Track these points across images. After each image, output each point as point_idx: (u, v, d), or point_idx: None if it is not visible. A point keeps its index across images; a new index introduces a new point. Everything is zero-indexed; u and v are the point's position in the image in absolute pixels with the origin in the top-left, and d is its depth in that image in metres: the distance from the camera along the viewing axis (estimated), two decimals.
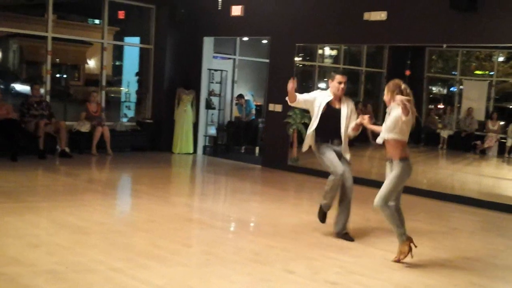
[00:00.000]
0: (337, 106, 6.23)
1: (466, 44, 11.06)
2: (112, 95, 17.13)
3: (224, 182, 10.44)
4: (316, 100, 6.27)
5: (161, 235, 6.05)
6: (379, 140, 5.54)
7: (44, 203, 7.25)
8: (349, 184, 6.22)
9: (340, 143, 6.25)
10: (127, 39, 15.72)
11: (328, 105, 6.22)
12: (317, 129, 6.24)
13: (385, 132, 5.46)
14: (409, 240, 5.52)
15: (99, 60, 13.78)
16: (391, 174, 5.48)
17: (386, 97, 5.47)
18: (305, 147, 6.42)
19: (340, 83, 6.21)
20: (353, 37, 10.53)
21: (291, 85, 6.04)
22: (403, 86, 5.40)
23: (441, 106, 15.49)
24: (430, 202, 8.93)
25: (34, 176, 9.35)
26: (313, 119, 6.30)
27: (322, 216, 6.40)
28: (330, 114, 6.21)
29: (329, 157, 6.18)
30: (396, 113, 5.33)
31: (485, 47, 13.88)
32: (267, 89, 12.06)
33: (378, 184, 5.74)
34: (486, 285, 5.22)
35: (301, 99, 6.28)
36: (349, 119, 6.20)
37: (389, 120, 5.42)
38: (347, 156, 6.28)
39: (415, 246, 5.52)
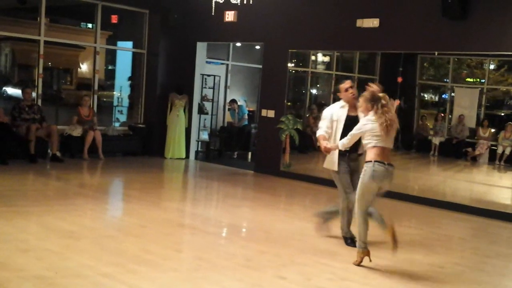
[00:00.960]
0: (353, 114, 6.07)
1: (457, 51, 11.12)
2: (105, 100, 17.10)
3: (216, 187, 10.42)
4: (333, 115, 6.12)
5: (152, 240, 6.02)
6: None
7: (34, 207, 7.21)
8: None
9: (356, 157, 6.14)
10: (120, 44, 15.70)
11: (347, 115, 6.10)
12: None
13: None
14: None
15: (91, 64, 13.77)
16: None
17: (361, 108, 5.62)
18: (335, 166, 6.16)
19: (346, 90, 6.11)
20: (346, 44, 10.56)
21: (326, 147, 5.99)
22: (381, 95, 5.53)
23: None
24: (422, 209, 8.95)
25: (24, 180, 9.29)
26: (333, 134, 6.12)
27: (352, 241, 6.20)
28: (350, 125, 5.94)
29: (344, 178, 6.13)
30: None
31: (476, 55, 13.95)
32: (260, 95, 12.06)
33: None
34: None
35: (329, 130, 6.13)
36: None
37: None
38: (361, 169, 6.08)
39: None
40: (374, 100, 5.46)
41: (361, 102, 5.54)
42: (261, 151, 11.67)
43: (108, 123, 13.29)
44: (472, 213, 8.62)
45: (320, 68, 14.62)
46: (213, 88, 13.38)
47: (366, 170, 5.45)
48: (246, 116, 14.47)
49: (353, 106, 6.08)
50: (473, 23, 8.71)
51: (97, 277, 4.73)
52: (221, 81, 14.25)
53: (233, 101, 14.31)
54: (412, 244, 6.62)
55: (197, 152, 13.10)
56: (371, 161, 5.44)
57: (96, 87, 12.58)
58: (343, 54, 14.32)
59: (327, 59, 14.31)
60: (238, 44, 14.35)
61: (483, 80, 15.11)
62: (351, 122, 5.97)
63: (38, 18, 11.55)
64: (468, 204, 9.06)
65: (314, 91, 14.54)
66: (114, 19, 13.97)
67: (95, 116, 11.88)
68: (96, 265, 5.00)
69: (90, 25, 19.58)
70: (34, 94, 11.35)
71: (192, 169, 12.18)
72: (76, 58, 22.84)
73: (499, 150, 13.52)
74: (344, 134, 5.93)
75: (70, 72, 23.18)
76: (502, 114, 15.41)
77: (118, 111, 14.46)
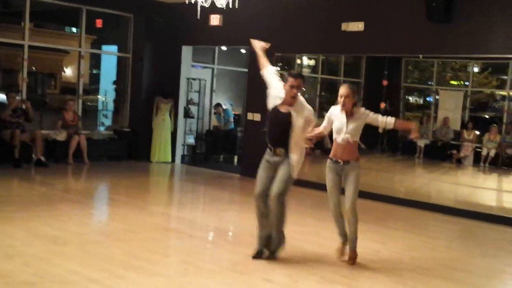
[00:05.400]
0: (283, 110, 5.58)
1: (441, 54, 11.22)
2: (89, 104, 17.01)
3: (203, 191, 10.40)
4: (272, 95, 5.69)
5: (139, 245, 5.99)
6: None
7: (19, 213, 7.13)
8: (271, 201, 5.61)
9: (282, 153, 5.59)
10: (105, 48, 15.65)
11: (276, 108, 5.64)
12: (267, 131, 5.77)
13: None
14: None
15: (76, 69, 13.70)
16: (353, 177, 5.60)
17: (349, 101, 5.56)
18: None
19: (292, 87, 5.51)
20: (331, 47, 10.61)
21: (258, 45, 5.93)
22: None
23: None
24: (408, 211, 8.99)
25: (9, 185, 9.20)
26: None
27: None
28: (276, 119, 5.62)
29: (258, 173, 5.78)
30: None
31: (460, 58, 14.09)
32: (246, 98, 12.07)
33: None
34: None
35: (269, 78, 5.79)
36: (301, 128, 5.52)
37: (356, 124, 5.59)
38: (294, 171, 5.57)
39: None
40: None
41: (351, 95, 5.55)
42: (248, 154, 11.66)
43: (93, 128, 13.22)
44: (458, 215, 8.68)
45: (306, 72, 14.67)
46: (199, 92, 13.36)
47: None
48: (232, 120, 14.47)
49: (288, 104, 5.56)
50: (457, 27, 8.78)
51: (84, 282, 4.69)
52: (207, 85, 14.24)
53: (218, 105, 14.31)
54: (399, 246, 6.65)
55: (183, 156, 13.07)
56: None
57: (80, 91, 12.50)
58: (329, 58, 14.39)
59: (312, 62, 14.37)
60: (224, 48, 14.35)
61: (467, 83, 15.27)
62: (276, 117, 5.62)
63: (22, 23, 11.47)
64: (454, 206, 9.13)
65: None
66: (99, 23, 13.92)
67: (79, 121, 11.80)
68: (83, 271, 4.96)
69: (74, 30, 19.48)
70: (18, 99, 11.24)
71: (178, 173, 12.14)
72: (61, 63, 22.70)
73: (484, 152, 13.67)
74: (268, 125, 5.75)
75: (54, 77, 23.03)
76: (486, 116, 15.58)
77: (103, 115, 14.41)
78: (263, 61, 5.94)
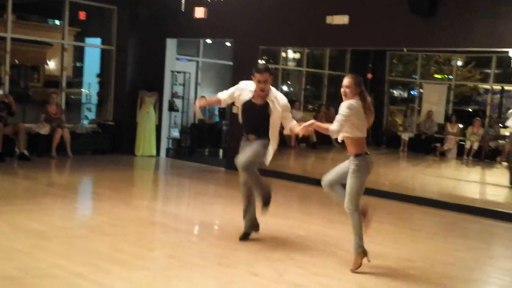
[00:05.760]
0: (258, 102, 5.88)
1: (425, 48, 11.27)
2: (73, 97, 16.85)
3: (188, 185, 10.38)
4: (241, 95, 6.01)
5: (124, 239, 5.97)
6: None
7: (3, 207, 7.06)
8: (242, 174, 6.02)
9: (255, 138, 5.96)
10: (88, 40, 15.49)
11: (250, 101, 5.93)
12: (242, 123, 6.11)
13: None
14: (365, 254, 5.35)
15: (59, 61, 13.54)
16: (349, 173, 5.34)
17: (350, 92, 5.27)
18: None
19: (259, 81, 5.76)
20: (316, 41, 10.61)
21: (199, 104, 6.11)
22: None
23: None
24: (392, 204, 9.05)
25: None
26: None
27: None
28: (249, 109, 5.94)
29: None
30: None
31: (444, 51, 14.16)
32: None
33: None
34: (448, 285, 5.32)
35: (226, 97, 6.14)
36: (280, 116, 5.85)
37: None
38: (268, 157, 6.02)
39: (368, 261, 5.37)
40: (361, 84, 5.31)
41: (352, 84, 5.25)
42: (233, 148, 11.62)
43: (77, 121, 13.11)
44: (442, 207, 8.75)
45: (291, 65, 14.68)
46: (184, 85, 13.30)
47: (360, 165, 5.28)
48: (216, 113, 14.44)
49: (260, 96, 5.85)
50: (441, 20, 8.83)
51: (69, 277, 4.66)
52: (192, 78, 14.18)
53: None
54: (383, 239, 6.69)
55: (168, 149, 13.02)
56: (363, 154, 5.29)
57: (64, 84, 12.40)
58: (314, 51, 14.39)
59: (297, 55, 14.37)
60: (209, 40, 14.29)
61: (451, 76, 15.37)
62: (249, 108, 5.92)
63: (5, 15, 11.33)
64: (438, 198, 9.20)
65: (285, 88, 14.58)
66: (82, 15, 13.78)
67: (63, 114, 11.71)
68: (67, 265, 4.93)
69: (57, 22, 19.26)
70: (0, 93, 11.11)
71: (163, 166, 12.10)
72: (44, 55, 22.40)
73: (467, 145, 13.77)
74: (242, 116, 6.06)
75: (37, 69, 22.74)
76: (470, 109, 15.72)
77: (87, 108, 14.29)
78: (213, 100, 6.33)
